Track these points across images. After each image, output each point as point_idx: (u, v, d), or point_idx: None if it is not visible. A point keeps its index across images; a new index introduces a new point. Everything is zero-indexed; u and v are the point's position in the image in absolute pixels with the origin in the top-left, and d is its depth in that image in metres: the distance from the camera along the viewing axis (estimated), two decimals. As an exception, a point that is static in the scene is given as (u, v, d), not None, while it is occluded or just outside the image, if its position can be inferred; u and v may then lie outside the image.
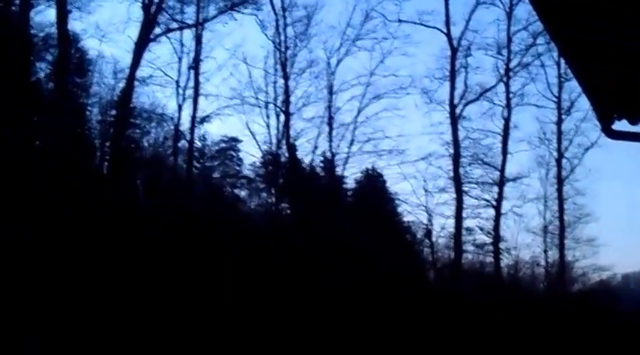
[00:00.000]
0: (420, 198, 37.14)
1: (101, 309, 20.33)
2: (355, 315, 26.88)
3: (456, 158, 36.21)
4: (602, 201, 71.25)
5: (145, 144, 32.66)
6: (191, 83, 32.54)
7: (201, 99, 32.67)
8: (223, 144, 35.46)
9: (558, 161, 39.03)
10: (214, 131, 36.44)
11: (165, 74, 31.99)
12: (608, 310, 38.81)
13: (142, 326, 21.00)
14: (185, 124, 32.38)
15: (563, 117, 38.94)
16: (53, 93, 28.48)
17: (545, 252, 39.77)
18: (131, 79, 29.71)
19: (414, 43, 43.17)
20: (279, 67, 35.05)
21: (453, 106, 36.60)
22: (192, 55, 32.80)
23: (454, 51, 36.82)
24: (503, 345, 29.89)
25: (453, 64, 36.73)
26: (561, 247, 39.11)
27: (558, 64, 37.84)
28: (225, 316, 22.98)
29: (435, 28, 37.09)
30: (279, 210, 34.58)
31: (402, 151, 35.82)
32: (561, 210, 39.04)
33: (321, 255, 29.16)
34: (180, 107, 32.06)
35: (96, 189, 25.32)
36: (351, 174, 36.52)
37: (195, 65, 32.68)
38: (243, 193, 35.25)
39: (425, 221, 37.46)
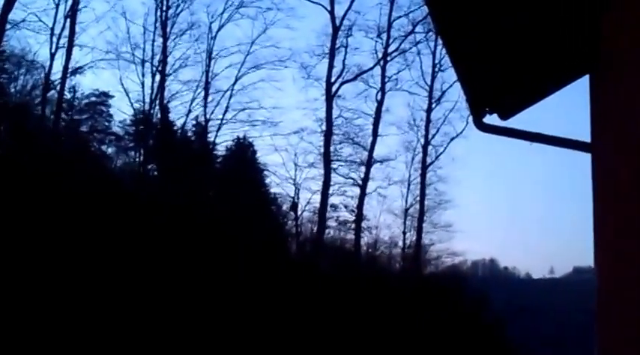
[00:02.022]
0: (289, 172, 37.68)
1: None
2: (212, 283, 26.98)
3: (328, 135, 36.75)
4: (462, 189, 74.56)
5: (12, 90, 31.28)
6: (66, 32, 31.44)
7: (75, 50, 31.70)
8: (94, 98, 34.43)
9: (424, 147, 40.41)
10: (86, 84, 35.27)
11: (40, 20, 30.77)
12: (456, 294, 40.64)
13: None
14: (56, 74, 31.37)
15: (433, 105, 40.37)
16: None
17: (404, 233, 41.28)
18: (2, 21, 28.32)
19: (298, 17, 43.67)
20: (159, 25, 34.46)
21: (329, 84, 37.05)
22: (69, 3, 31.68)
23: (336, 29, 37.21)
24: (351, 320, 30.78)
25: (333, 43, 37.13)
26: (419, 230, 40.60)
27: (434, 54, 39.20)
28: (80, 266, 22.63)
29: (319, 4, 37.37)
30: (146, 171, 34.08)
31: (276, 123, 36.13)
32: (423, 194, 40.46)
33: (184, 218, 29.04)
34: (52, 56, 31.00)
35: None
36: (222, 141, 36.45)
37: (72, 14, 31.56)
38: (110, 150, 34.43)
39: (292, 194, 38.03)
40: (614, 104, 4.39)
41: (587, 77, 5.15)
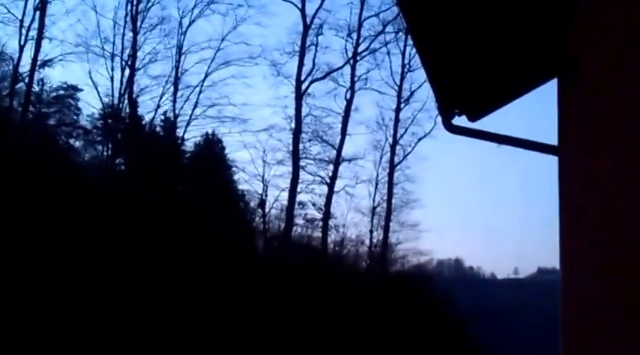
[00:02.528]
0: (258, 168, 37.62)
1: None
2: (175, 279, 26.84)
3: (297, 133, 36.77)
4: (428, 189, 74.87)
5: (-22, 81, 30.90)
6: (35, 24, 31.12)
7: (44, 43, 31.38)
8: (62, 91, 34.06)
9: (392, 147, 40.60)
10: (55, 77, 34.87)
11: (9, 11, 30.52)
12: (421, 293, 40.84)
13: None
14: (25, 66, 31.02)
15: (402, 105, 40.53)
16: None
17: (371, 232, 41.38)
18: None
19: (269, 14, 43.63)
20: (129, 19, 34.24)
21: (299, 82, 37.09)
22: (39, -5, 31.35)
23: (306, 27, 37.22)
24: (317, 318, 30.83)
25: (303, 41, 37.18)
26: (386, 229, 40.80)
27: (403, 55, 39.43)
28: (41, 261, 22.41)
29: (290, 2, 37.35)
30: (114, 165, 33.81)
31: (245, 120, 36.14)
32: (390, 193, 40.65)
33: (151, 213, 28.87)
34: (21, 48, 30.66)
35: None
36: (191, 136, 36.33)
37: (42, 6, 31.20)
38: (78, 144, 34.08)
39: (260, 191, 37.98)
40: (581, 107, 4.45)
41: (555, 80, 5.22)
